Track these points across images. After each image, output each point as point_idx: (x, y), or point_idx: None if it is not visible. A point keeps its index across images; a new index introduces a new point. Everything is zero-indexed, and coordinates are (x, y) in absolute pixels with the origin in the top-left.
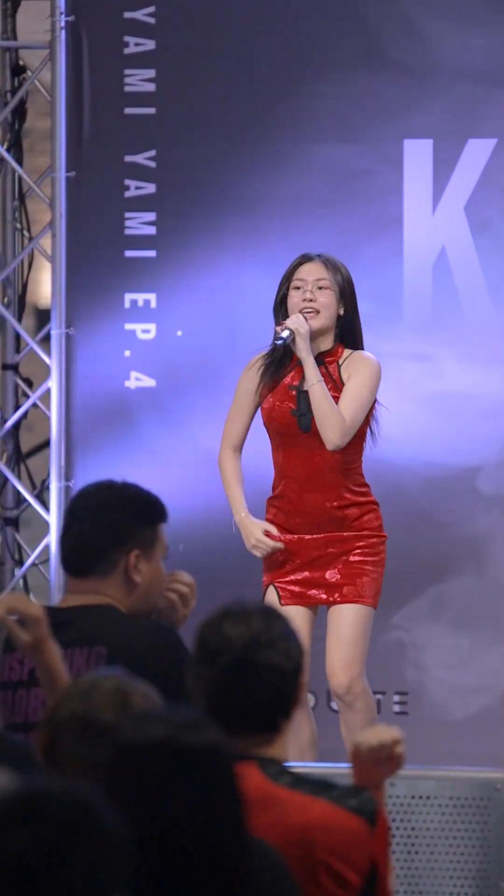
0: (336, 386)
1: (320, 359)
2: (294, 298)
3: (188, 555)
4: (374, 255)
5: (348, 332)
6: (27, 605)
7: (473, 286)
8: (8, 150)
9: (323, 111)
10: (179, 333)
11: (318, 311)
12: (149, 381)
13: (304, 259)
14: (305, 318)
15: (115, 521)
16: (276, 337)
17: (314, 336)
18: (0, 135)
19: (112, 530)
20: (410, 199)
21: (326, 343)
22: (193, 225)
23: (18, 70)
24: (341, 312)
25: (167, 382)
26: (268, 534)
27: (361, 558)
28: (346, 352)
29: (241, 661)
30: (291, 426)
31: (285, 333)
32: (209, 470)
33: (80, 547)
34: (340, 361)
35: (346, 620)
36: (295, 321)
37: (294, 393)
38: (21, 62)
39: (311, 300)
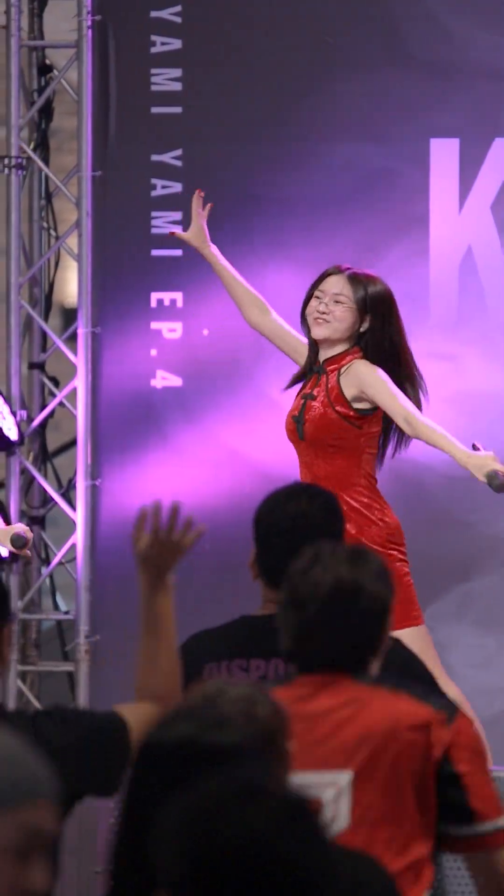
0: (328, 395)
1: (322, 367)
2: (311, 307)
3: (214, 554)
4: (400, 254)
5: (373, 349)
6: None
7: (499, 286)
8: (34, 149)
9: (348, 110)
10: (206, 332)
11: (327, 322)
12: (175, 381)
13: (332, 271)
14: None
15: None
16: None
17: (324, 344)
18: (27, 134)
19: None
20: (436, 198)
21: (335, 350)
22: (219, 224)
23: (45, 69)
24: (362, 329)
25: (193, 382)
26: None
27: None
28: (353, 361)
29: (326, 608)
30: (293, 433)
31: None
32: (234, 469)
33: None
34: (342, 370)
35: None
36: None
37: (302, 401)
38: (48, 61)
39: (324, 312)
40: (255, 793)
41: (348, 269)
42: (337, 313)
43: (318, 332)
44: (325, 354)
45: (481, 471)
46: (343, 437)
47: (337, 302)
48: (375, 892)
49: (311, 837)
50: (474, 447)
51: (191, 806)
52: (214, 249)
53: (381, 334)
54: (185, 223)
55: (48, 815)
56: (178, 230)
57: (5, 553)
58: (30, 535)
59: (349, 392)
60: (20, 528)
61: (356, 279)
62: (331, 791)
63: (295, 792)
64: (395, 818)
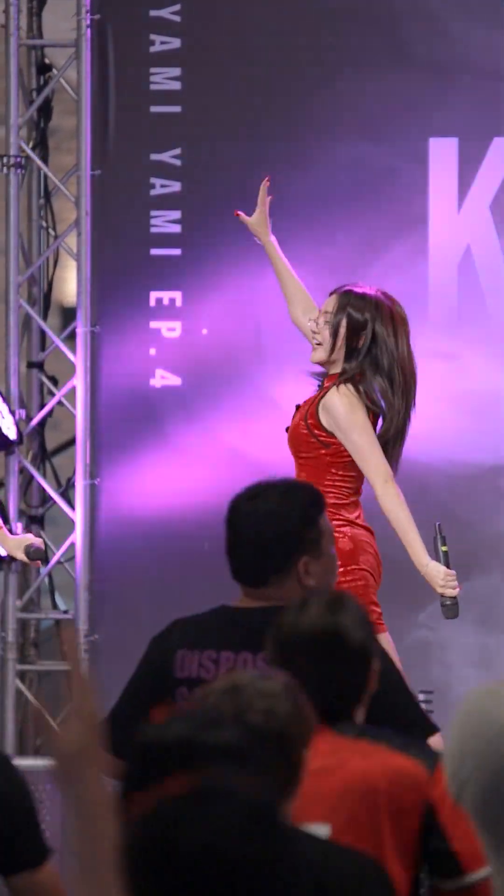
0: (307, 407)
1: (322, 381)
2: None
3: (213, 553)
4: (399, 253)
5: (370, 367)
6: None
7: (498, 284)
8: (33, 148)
9: (348, 109)
10: (205, 332)
11: (319, 344)
12: (174, 380)
13: (333, 291)
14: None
15: (281, 535)
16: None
17: (325, 365)
18: (26, 133)
19: (281, 544)
20: (436, 197)
21: (336, 368)
22: (219, 223)
23: (44, 68)
24: (358, 345)
25: (192, 381)
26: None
27: None
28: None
29: (309, 659)
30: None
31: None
32: (234, 468)
33: (250, 565)
34: (322, 396)
35: None
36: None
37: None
38: (47, 60)
39: (315, 332)
40: (215, 796)
41: (344, 288)
42: (324, 334)
43: (313, 356)
44: (328, 369)
45: (436, 583)
46: (308, 450)
47: (326, 322)
48: (378, 890)
49: (273, 841)
50: (439, 528)
51: (149, 810)
52: (273, 240)
53: (376, 357)
54: (185, 222)
55: None
56: (177, 229)
57: (3, 552)
58: (42, 546)
59: (325, 420)
60: (32, 538)
61: (344, 300)
62: None
63: (261, 794)
64: None
